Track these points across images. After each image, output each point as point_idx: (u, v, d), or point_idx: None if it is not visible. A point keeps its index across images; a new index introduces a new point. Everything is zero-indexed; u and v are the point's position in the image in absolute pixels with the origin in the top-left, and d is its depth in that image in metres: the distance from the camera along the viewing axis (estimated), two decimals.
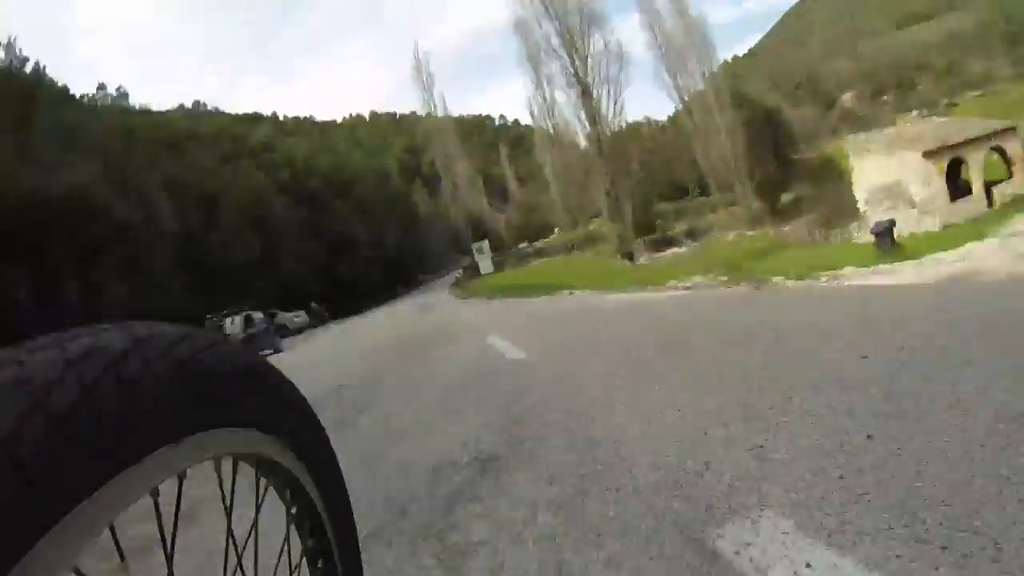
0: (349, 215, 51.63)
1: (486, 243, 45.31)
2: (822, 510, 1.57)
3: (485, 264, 42.49)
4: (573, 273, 19.80)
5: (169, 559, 0.56)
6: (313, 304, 38.54)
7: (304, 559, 0.84)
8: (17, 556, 0.39)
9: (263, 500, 0.74)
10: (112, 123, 34.41)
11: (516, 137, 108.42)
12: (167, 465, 0.52)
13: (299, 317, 34.15)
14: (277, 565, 0.79)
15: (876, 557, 1.32)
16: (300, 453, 0.76)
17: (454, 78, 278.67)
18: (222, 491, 0.66)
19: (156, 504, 0.53)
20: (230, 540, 0.67)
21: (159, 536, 0.55)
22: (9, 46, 28.56)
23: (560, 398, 3.63)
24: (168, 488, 0.54)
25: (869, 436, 1.93)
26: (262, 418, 0.67)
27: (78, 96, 36.79)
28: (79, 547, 0.44)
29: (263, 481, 0.75)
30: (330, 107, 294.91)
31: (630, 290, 11.06)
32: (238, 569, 0.69)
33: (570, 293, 13.95)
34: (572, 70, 31.42)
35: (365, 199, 58.23)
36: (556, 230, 60.80)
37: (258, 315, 23.11)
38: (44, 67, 31.36)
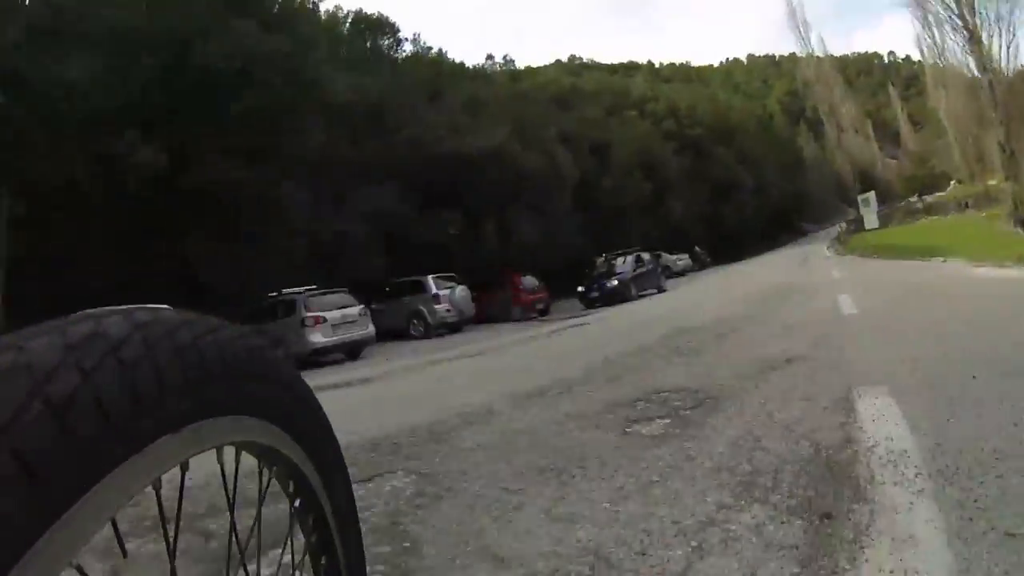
0: (731, 162, 52.76)
1: (872, 195, 43.99)
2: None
3: (870, 218, 41.63)
4: (956, 236, 19.52)
5: (172, 554, 0.58)
6: (696, 248, 41.89)
7: (307, 554, 0.86)
8: (18, 554, 0.39)
9: (266, 492, 0.76)
10: (503, 87, 39.70)
11: (909, 76, 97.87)
12: (169, 455, 0.53)
13: (682, 260, 37.91)
14: (280, 560, 0.81)
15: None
16: (303, 443, 0.77)
17: (835, 14, 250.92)
18: (224, 482, 0.67)
19: (158, 496, 0.55)
20: (233, 535, 0.70)
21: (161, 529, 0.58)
22: (415, 40, 35.79)
23: (855, 340, 6.01)
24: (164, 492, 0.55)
25: None
26: (265, 406, 0.67)
27: (471, 67, 43.12)
28: (80, 543, 0.44)
29: (266, 472, 0.77)
30: (704, 52, 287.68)
31: (1008, 265, 11.16)
32: (241, 565, 0.72)
33: (943, 260, 14.50)
34: (956, 13, 28.40)
35: (747, 146, 58.76)
36: (952, 183, 55.32)
37: (647, 256, 25.87)
38: (445, 51, 38.45)
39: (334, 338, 15.29)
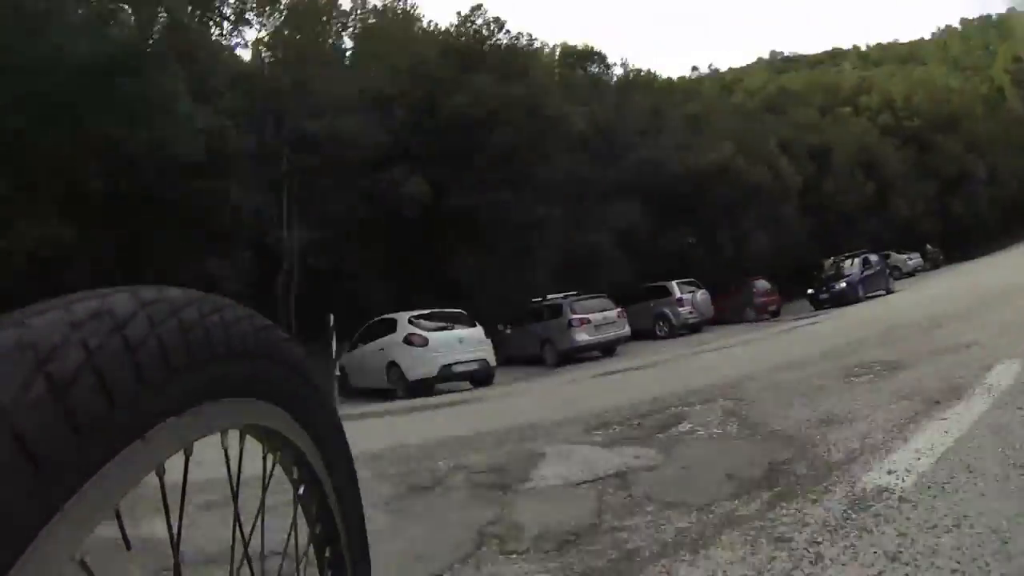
0: (958, 152, 49.38)
1: None
2: None
3: None
4: None
5: (175, 547, 0.59)
6: (928, 247, 40.73)
7: (311, 544, 0.87)
8: (22, 545, 0.38)
9: (271, 477, 0.76)
10: (717, 101, 41.63)
11: None
12: (173, 438, 0.53)
13: (912, 260, 37.30)
14: (284, 550, 0.80)
15: None
16: (308, 428, 0.78)
17: None
18: (228, 467, 0.68)
19: (162, 482, 0.55)
20: (237, 523, 0.70)
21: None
22: (623, 64, 39.16)
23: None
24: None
25: None
26: (271, 388, 0.68)
27: (678, 79, 44.46)
28: (84, 532, 0.44)
29: (270, 457, 0.77)
30: (913, 25, 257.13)
31: None
32: (245, 553, 0.71)
33: None
34: None
35: (974, 131, 54.08)
36: None
37: (874, 257, 26.49)
38: (654, 71, 41.22)
39: (597, 336, 18.30)
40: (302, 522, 0.84)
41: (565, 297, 19.19)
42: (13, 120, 16.10)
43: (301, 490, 0.82)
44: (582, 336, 18.14)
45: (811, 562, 2.44)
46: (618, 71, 38.07)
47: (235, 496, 0.68)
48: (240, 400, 0.62)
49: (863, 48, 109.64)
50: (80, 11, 18.81)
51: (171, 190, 18.17)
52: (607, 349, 18.82)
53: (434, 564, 2.98)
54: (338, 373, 14.87)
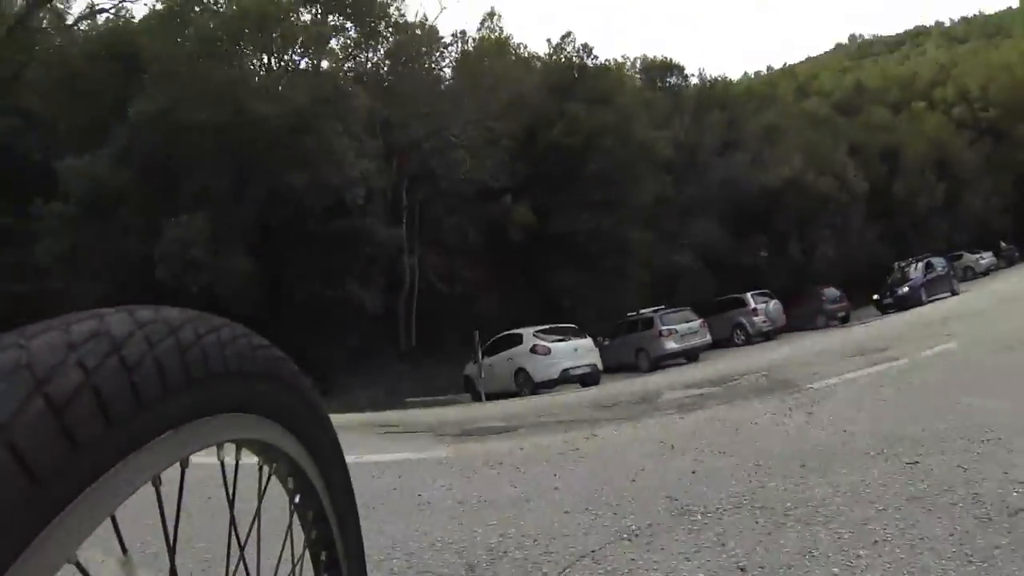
0: None
1: None
2: None
3: None
4: None
5: (171, 551, 0.62)
6: (1002, 244, 40.55)
7: (307, 550, 0.93)
8: (17, 550, 0.41)
9: (266, 488, 0.81)
10: (791, 108, 42.50)
11: None
12: (169, 452, 0.56)
13: (985, 259, 37.41)
14: (280, 555, 0.86)
15: None
16: (303, 440, 0.82)
17: None
18: (224, 479, 0.72)
19: (158, 493, 0.59)
20: (232, 530, 0.74)
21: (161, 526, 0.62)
22: (700, 74, 39.72)
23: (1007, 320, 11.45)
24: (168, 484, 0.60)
25: None
26: (266, 403, 0.72)
27: (752, 76, 45.13)
28: (79, 539, 0.47)
29: (265, 469, 0.82)
30: None
31: None
32: (241, 560, 0.76)
33: None
34: None
35: None
36: None
37: (938, 260, 27.94)
38: (728, 77, 42.61)
39: (682, 345, 22.04)
40: (298, 528, 0.91)
41: (655, 311, 22.82)
42: (206, 171, 20.92)
43: (297, 499, 0.88)
44: (670, 344, 21.79)
45: (772, 409, 6.86)
46: (694, 80, 39.75)
47: (231, 504, 0.74)
48: (235, 415, 0.67)
49: (947, 24, 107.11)
50: (258, 79, 23.70)
51: (322, 226, 22.46)
52: (691, 356, 22.07)
53: (630, 415, 7.56)
54: (482, 376, 18.69)
